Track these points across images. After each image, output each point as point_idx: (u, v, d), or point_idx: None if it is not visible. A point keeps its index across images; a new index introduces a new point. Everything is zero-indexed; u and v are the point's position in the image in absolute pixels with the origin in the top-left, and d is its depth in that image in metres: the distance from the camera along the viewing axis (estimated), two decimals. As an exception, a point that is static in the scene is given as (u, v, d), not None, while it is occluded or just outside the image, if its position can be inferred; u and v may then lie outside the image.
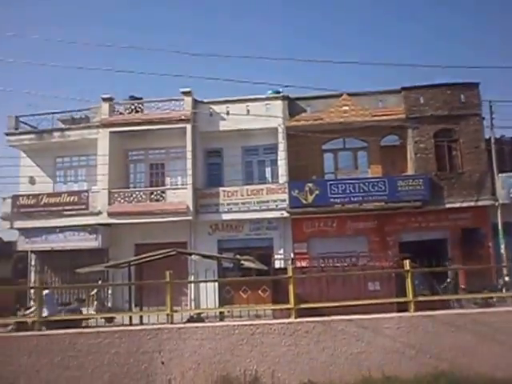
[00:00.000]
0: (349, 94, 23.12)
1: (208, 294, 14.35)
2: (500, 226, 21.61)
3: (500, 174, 22.09)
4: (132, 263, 16.25)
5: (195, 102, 23.30)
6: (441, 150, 22.84)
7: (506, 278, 19.72)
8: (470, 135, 22.56)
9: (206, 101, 23.56)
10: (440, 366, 8.39)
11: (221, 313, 12.77)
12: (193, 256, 18.10)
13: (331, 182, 22.11)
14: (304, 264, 18.41)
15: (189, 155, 22.60)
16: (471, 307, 12.97)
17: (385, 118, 22.75)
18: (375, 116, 22.76)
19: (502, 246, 21.42)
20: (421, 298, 9.47)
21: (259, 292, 20.26)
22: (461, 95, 22.69)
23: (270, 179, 23.67)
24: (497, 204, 21.83)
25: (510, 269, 19.91)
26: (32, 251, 24.14)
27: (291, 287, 9.12)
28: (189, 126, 22.72)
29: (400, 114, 22.78)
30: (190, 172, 22.51)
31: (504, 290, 18.04)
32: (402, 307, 9.52)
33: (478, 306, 13.15)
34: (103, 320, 16.43)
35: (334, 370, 8.45)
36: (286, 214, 22.06)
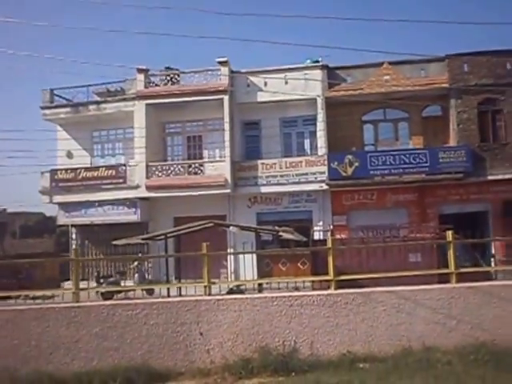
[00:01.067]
0: (390, 63, 22.49)
1: (247, 267, 14.47)
2: (543, 198, 20.98)
3: (546, 145, 21.33)
4: (168, 235, 16.35)
5: (232, 73, 23.02)
6: (484, 121, 22.18)
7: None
8: (515, 105, 21.81)
9: (243, 71, 23.27)
10: (481, 336, 8.32)
11: (259, 285, 12.89)
12: (231, 228, 18.14)
13: (371, 154, 21.79)
14: (343, 236, 18.30)
15: (226, 127, 22.45)
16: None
17: (427, 87, 22.13)
18: (417, 85, 22.13)
19: (544, 219, 20.79)
20: (463, 270, 9.31)
21: (298, 265, 20.34)
22: (507, 63, 21.81)
23: (308, 151, 23.44)
24: (541, 176, 21.17)
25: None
26: (72, 225, 24.41)
27: (331, 258, 9.06)
28: (226, 97, 22.48)
29: (443, 83, 22.11)
30: (227, 144, 22.41)
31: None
32: (443, 279, 9.40)
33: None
34: (144, 292, 16.83)
35: (373, 341, 8.45)
36: (325, 187, 21.87)
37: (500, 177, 21.37)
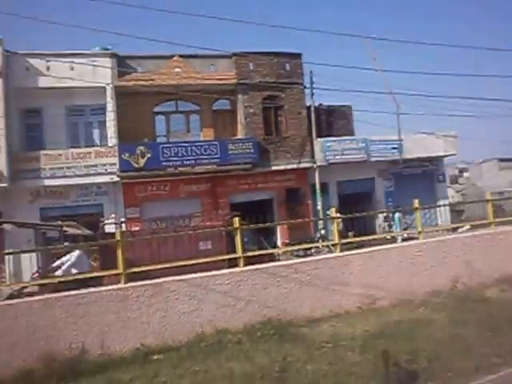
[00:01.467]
0: (181, 56, 22.74)
1: (32, 268, 13.31)
2: (318, 186, 23.86)
3: (318, 139, 24.17)
4: None
5: (7, 53, 20.57)
6: (268, 116, 23.93)
7: (322, 231, 22.16)
8: (293, 102, 24.10)
9: (21, 52, 20.92)
10: (268, 313, 8.86)
11: (42, 285, 11.80)
12: (4, 225, 16.23)
13: (163, 145, 21.73)
14: (137, 228, 17.95)
15: (1, 113, 20.04)
16: (292, 259, 13.68)
17: (216, 82, 22.94)
18: (207, 80, 22.81)
19: (319, 204, 23.72)
20: (249, 254, 9.70)
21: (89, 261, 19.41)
22: (286, 64, 23.97)
23: (98, 142, 22.36)
24: (315, 166, 23.91)
25: (325, 223, 22.23)
26: None
27: (120, 252, 8.75)
28: (0, 81, 20.13)
29: (231, 79, 23.19)
30: (2, 133, 20.02)
31: (320, 242, 19.80)
32: (233, 264, 9.65)
33: (299, 257, 13.95)
34: None
35: (167, 331, 8.43)
36: (116, 179, 21.15)
37: (282, 167, 23.40)
